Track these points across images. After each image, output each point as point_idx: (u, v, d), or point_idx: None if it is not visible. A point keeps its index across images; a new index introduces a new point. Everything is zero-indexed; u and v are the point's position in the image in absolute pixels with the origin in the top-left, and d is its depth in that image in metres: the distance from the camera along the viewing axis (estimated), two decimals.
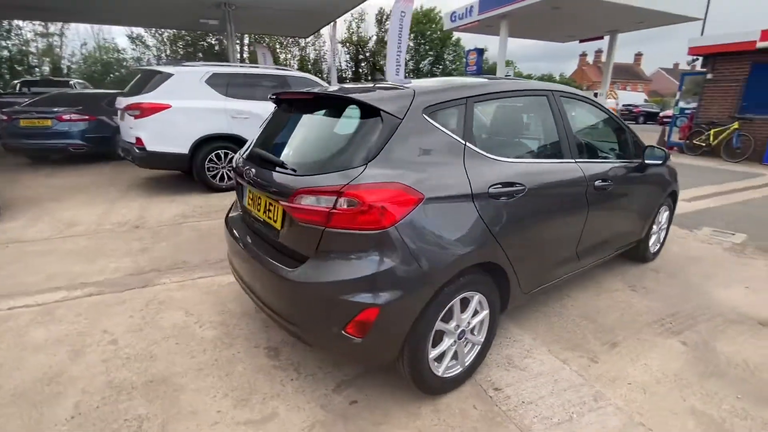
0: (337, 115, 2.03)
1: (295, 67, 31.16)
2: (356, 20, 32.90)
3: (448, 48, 38.35)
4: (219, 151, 5.99)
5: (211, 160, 6.01)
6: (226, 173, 6.04)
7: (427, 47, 37.95)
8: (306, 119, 2.23)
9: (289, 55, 33.40)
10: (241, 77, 6.11)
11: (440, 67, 39.04)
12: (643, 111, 28.34)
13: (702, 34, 12.52)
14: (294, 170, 1.88)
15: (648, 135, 19.77)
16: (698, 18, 15.18)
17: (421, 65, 38.42)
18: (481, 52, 19.15)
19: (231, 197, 3.15)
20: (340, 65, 32.90)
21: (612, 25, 17.29)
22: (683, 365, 2.40)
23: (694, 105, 11.64)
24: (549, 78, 44.77)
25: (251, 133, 2.63)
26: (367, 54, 35.71)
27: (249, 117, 5.91)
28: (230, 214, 2.50)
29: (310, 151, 2.05)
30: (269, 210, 1.97)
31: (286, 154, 2.07)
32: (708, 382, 2.28)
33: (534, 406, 2.05)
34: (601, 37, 20.21)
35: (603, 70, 20.62)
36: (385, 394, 2.06)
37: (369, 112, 1.82)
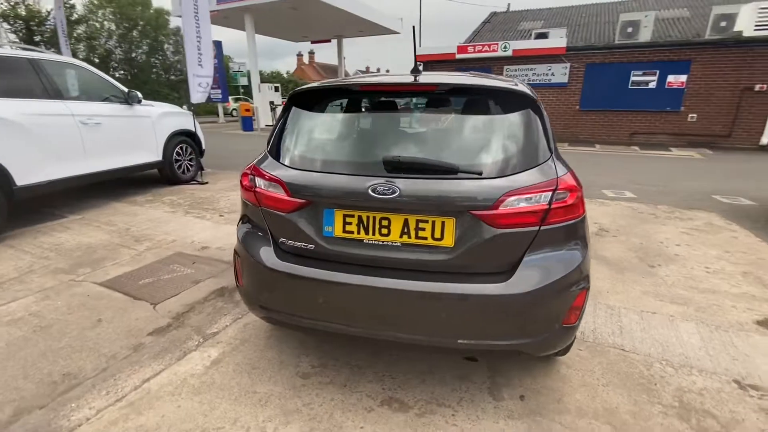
0: (463, 107, 1.82)
1: None
2: None
3: (166, 36, 33.51)
4: None
5: None
6: None
7: (135, 33, 31.93)
8: (413, 115, 1.95)
9: None
10: None
11: (159, 58, 33.77)
12: None
13: (420, 45, 16.56)
14: (479, 173, 1.62)
15: None
16: (398, 32, 19.62)
17: (134, 55, 32.02)
18: (219, 44, 18.16)
19: None
20: None
21: (339, 30, 20.07)
22: None
23: None
24: (277, 75, 46.72)
25: None
26: (46, 36, 26.64)
27: None
28: (284, 259, 1.76)
29: (462, 150, 1.73)
30: (421, 230, 1.63)
31: (404, 156, 1.69)
32: None
33: None
34: (329, 40, 23.03)
35: (338, 70, 23.64)
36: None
37: (516, 102, 1.71)
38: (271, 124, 17.98)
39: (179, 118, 6.35)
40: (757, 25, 9.79)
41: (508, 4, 21.26)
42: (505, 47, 12.29)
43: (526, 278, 1.56)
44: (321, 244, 1.71)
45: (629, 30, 12.37)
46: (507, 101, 1.72)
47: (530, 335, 1.61)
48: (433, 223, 1.60)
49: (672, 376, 2.04)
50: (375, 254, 1.66)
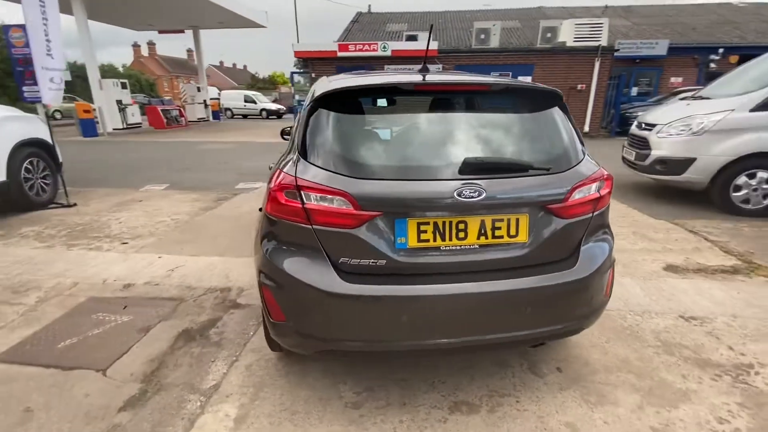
0: (511, 105, 1.84)
1: None
2: None
3: None
4: None
5: None
6: None
7: None
8: (465, 114, 1.86)
9: None
10: None
11: None
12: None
13: (298, 41, 15.85)
14: (547, 168, 1.68)
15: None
16: (263, 26, 18.62)
17: None
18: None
19: None
20: None
21: (196, 20, 18.00)
22: None
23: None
24: (110, 69, 39.33)
25: None
26: None
27: None
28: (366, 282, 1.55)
29: (524, 147, 1.77)
30: (497, 229, 1.62)
31: (468, 155, 1.66)
32: None
33: None
34: (183, 31, 20.48)
35: (197, 65, 21.20)
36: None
37: (552, 99, 1.80)
38: (122, 127, 15.09)
39: (26, 125, 4.87)
40: (575, 37, 12.39)
41: (369, 5, 22.19)
42: (384, 47, 12.83)
43: (588, 261, 1.70)
44: (393, 257, 1.55)
45: (482, 36, 14.23)
46: (545, 99, 1.81)
47: (589, 313, 1.76)
48: (509, 221, 1.60)
49: (643, 323, 2.49)
50: (452, 260, 1.59)
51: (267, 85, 51.90)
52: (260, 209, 1.92)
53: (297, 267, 1.57)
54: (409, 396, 1.88)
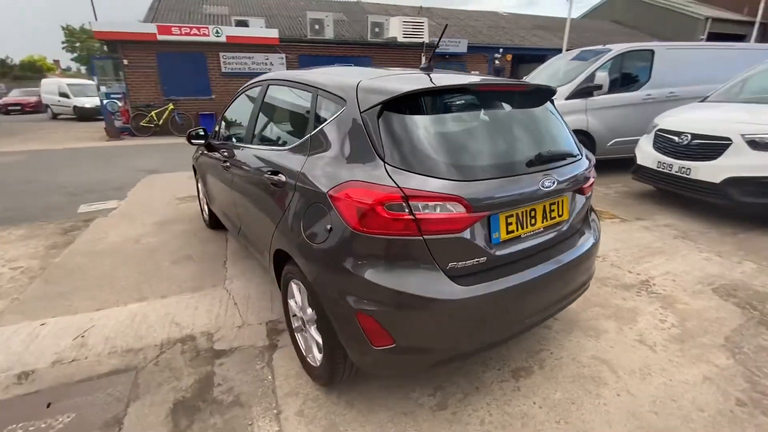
0: (533, 102, 2.01)
1: None
2: None
3: None
4: None
5: None
6: None
7: None
8: (498, 112, 1.91)
9: None
10: None
11: None
12: None
13: (96, 19, 12.19)
14: (577, 156, 2.01)
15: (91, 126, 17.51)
16: None
17: None
18: None
19: None
20: None
21: None
22: None
23: (120, 90, 11.73)
24: None
25: None
26: None
27: None
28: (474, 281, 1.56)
29: (557, 138, 2.00)
30: (552, 211, 1.83)
31: (535, 149, 1.84)
32: None
33: None
34: None
35: None
36: None
37: (551, 96, 2.10)
38: None
39: None
40: (404, 34, 13.73)
41: None
42: (217, 32, 11.38)
43: (596, 226, 2.16)
44: (491, 253, 1.62)
45: (317, 27, 14.26)
46: (551, 95, 2.09)
47: (594, 268, 2.20)
48: (560, 202, 1.87)
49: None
50: (530, 245, 1.76)
51: (27, 72, 39.50)
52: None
53: (410, 282, 1.48)
54: (475, 380, 2.01)
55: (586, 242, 2.01)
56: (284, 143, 2.15)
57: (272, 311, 2.64)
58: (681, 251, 3.49)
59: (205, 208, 4.06)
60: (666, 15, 24.15)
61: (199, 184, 4.16)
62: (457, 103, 1.74)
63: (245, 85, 3.00)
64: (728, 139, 3.87)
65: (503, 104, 1.89)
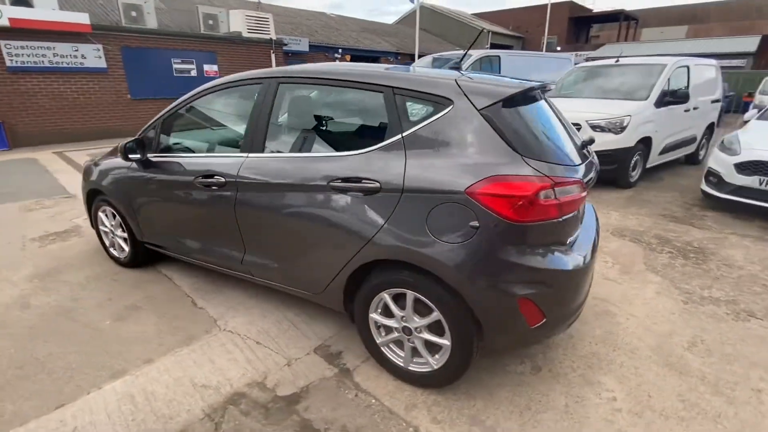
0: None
1: None
2: None
3: None
4: None
5: None
6: None
7: None
8: (546, 106, 2.07)
9: None
10: None
11: None
12: None
13: None
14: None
15: None
16: None
17: None
18: None
19: None
20: None
21: None
22: None
23: None
24: None
25: None
26: None
27: None
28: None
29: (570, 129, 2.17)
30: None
31: (577, 139, 2.10)
32: None
33: None
34: None
35: None
36: None
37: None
38: None
39: None
40: (248, 29, 12.76)
41: None
42: None
43: None
44: (580, 227, 1.99)
45: (133, 14, 11.93)
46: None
47: None
48: None
49: None
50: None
51: None
52: None
53: (557, 260, 1.68)
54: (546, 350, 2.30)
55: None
56: (347, 147, 1.94)
57: (308, 336, 2.36)
58: None
59: (120, 242, 3.15)
60: (460, 26, 29.32)
61: (104, 213, 3.18)
62: (533, 97, 1.93)
63: (208, 86, 2.48)
64: (578, 124, 5.23)
65: (544, 98, 2.12)
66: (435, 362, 1.86)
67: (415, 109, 1.80)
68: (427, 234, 1.66)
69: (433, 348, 1.88)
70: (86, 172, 3.27)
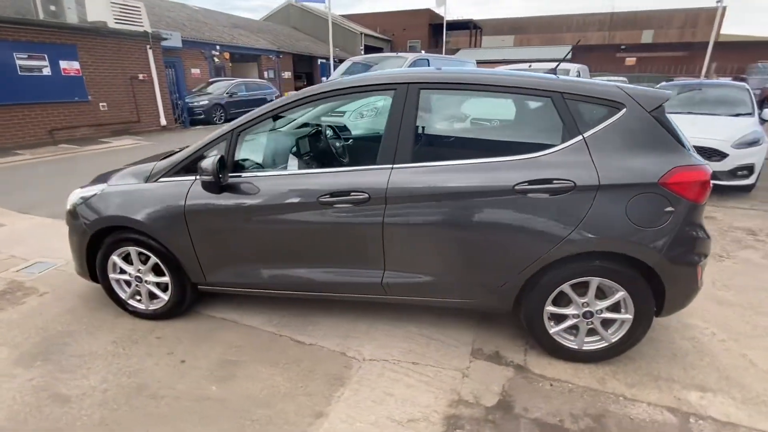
0: None
1: None
2: None
3: None
4: None
5: None
6: None
7: None
8: None
9: None
10: None
11: None
12: None
13: None
14: None
15: None
16: None
17: None
18: None
19: None
20: None
21: None
22: None
23: None
24: None
25: None
26: None
27: None
28: None
29: None
30: None
31: None
32: None
33: None
34: None
35: None
36: None
37: None
38: None
39: None
40: (116, 19, 10.53)
41: None
42: None
43: None
44: None
45: None
46: None
47: None
48: None
49: None
50: None
51: None
52: None
53: (706, 235, 2.03)
54: None
55: None
56: (511, 152, 2.02)
57: (452, 345, 2.34)
58: None
59: (152, 289, 2.49)
60: (334, 28, 29.49)
61: (121, 257, 2.46)
62: None
63: (306, 94, 2.19)
64: None
65: None
66: (612, 337, 2.11)
67: (594, 113, 1.98)
68: (629, 223, 1.88)
69: (607, 325, 2.11)
70: (89, 206, 2.46)
